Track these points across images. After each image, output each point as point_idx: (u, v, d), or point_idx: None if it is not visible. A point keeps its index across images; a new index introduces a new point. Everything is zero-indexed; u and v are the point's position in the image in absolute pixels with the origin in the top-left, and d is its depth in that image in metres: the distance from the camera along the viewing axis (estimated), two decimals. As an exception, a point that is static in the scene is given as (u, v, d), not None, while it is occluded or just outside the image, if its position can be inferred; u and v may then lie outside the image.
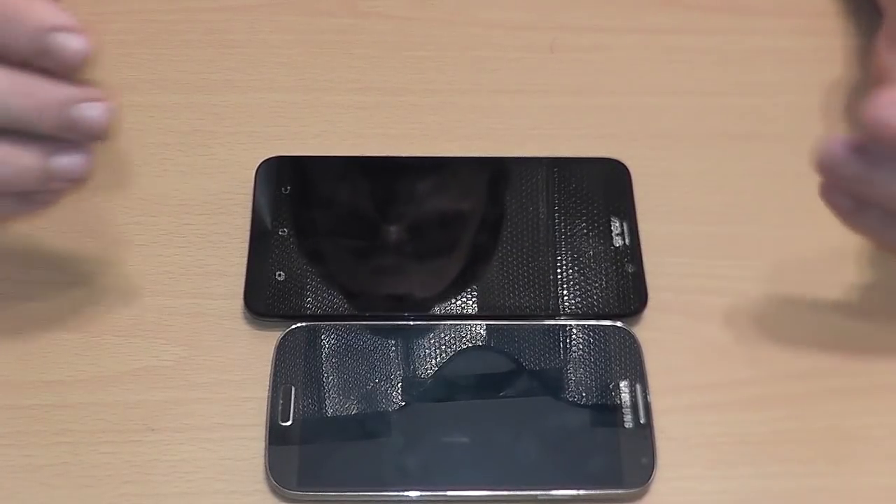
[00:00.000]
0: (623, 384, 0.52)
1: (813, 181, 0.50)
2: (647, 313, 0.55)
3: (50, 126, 0.47)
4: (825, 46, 0.65)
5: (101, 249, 0.54)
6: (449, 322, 0.54)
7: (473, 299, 0.55)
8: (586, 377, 0.53)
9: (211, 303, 0.55)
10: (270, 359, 0.53)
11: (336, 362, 0.53)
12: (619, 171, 0.60)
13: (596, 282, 0.56)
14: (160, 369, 0.53)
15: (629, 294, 0.55)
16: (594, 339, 0.54)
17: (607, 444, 0.50)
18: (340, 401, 0.52)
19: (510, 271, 0.56)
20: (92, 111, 0.47)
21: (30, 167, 0.47)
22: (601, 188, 0.59)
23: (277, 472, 0.50)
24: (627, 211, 0.58)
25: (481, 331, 0.54)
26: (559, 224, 0.58)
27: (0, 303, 0.55)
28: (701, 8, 0.67)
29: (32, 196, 0.49)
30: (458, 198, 0.59)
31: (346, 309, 0.55)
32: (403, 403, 0.52)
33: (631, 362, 0.53)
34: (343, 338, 0.53)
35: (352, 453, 0.50)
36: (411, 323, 0.54)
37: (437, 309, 0.55)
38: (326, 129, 0.62)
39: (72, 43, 0.46)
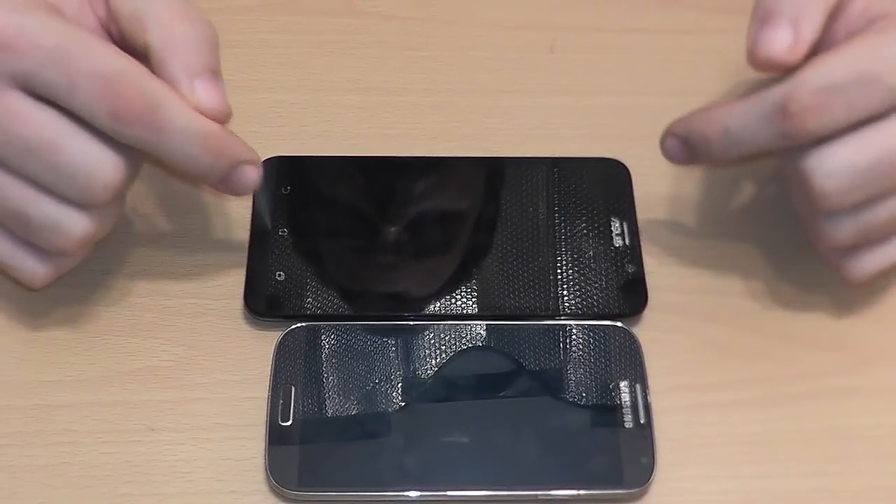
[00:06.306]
0: (623, 384, 0.52)
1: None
2: (647, 313, 0.55)
3: (216, 173, 0.50)
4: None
5: (100, 249, 0.54)
6: (449, 322, 0.54)
7: (473, 299, 0.55)
8: (586, 377, 0.53)
9: (211, 303, 0.55)
10: (270, 359, 0.53)
11: (336, 362, 0.53)
12: (619, 171, 0.60)
13: (596, 282, 0.56)
14: (160, 369, 0.53)
15: (629, 294, 0.55)
16: (594, 339, 0.54)
17: (607, 444, 0.50)
18: (340, 401, 0.52)
19: (510, 271, 0.56)
20: (252, 174, 0.51)
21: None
22: (601, 188, 0.59)
23: (277, 472, 0.50)
24: (627, 211, 0.58)
25: (481, 331, 0.54)
26: (559, 224, 0.58)
27: (0, 303, 0.55)
28: (701, 8, 0.67)
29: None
30: (457, 198, 0.59)
31: (346, 309, 0.55)
32: (403, 403, 0.52)
33: (631, 362, 0.53)
34: (343, 338, 0.53)
35: (352, 453, 0.50)
36: (411, 323, 0.54)
37: (437, 309, 0.55)
38: (326, 129, 0.62)
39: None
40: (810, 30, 0.48)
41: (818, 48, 0.50)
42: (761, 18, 0.50)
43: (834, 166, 0.49)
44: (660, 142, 0.54)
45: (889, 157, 0.49)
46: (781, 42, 0.48)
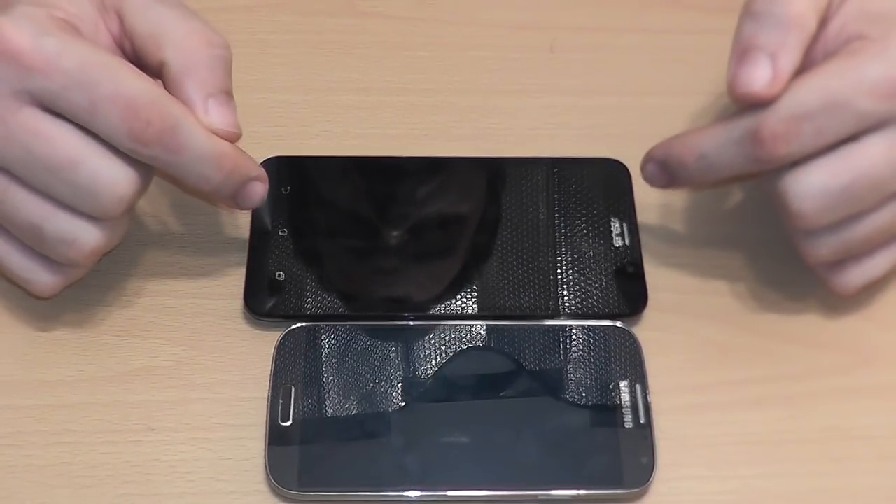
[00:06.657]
0: (623, 384, 0.52)
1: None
2: (647, 313, 0.55)
3: (226, 190, 0.51)
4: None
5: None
6: (449, 322, 0.54)
7: (473, 300, 0.55)
8: (586, 377, 0.53)
9: (211, 303, 0.55)
10: (270, 359, 0.53)
11: (336, 362, 0.53)
12: (619, 171, 0.60)
13: (596, 282, 0.56)
14: (160, 369, 0.53)
15: (629, 294, 0.55)
16: (594, 339, 0.54)
17: (607, 445, 0.50)
18: (340, 401, 0.52)
19: (510, 272, 0.56)
20: (260, 190, 0.52)
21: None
22: (601, 188, 0.59)
23: (277, 472, 0.50)
24: (627, 211, 0.58)
25: (481, 331, 0.54)
26: (559, 224, 0.58)
27: (0, 302, 0.55)
28: (701, 8, 0.67)
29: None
30: (458, 198, 0.59)
31: (346, 309, 0.55)
32: (403, 404, 0.52)
33: (631, 362, 0.53)
34: (343, 338, 0.53)
35: (352, 453, 0.50)
36: (411, 323, 0.54)
37: (437, 309, 0.55)
38: (326, 129, 0.62)
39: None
40: (789, 64, 0.49)
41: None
42: (740, 53, 0.50)
43: (808, 188, 0.49)
44: (640, 167, 0.54)
45: (862, 178, 0.49)
46: (761, 78, 0.49)
